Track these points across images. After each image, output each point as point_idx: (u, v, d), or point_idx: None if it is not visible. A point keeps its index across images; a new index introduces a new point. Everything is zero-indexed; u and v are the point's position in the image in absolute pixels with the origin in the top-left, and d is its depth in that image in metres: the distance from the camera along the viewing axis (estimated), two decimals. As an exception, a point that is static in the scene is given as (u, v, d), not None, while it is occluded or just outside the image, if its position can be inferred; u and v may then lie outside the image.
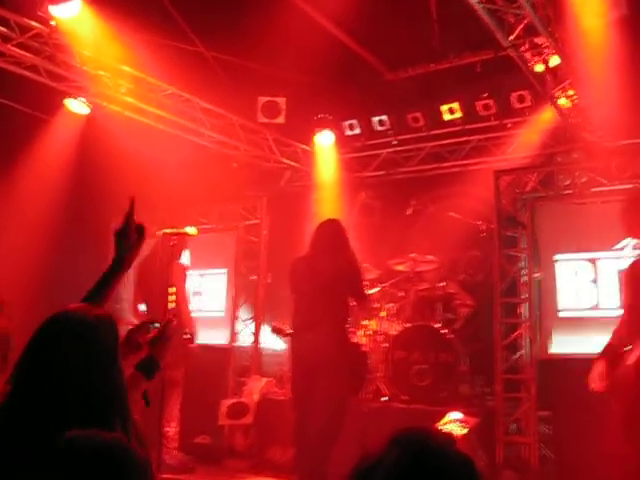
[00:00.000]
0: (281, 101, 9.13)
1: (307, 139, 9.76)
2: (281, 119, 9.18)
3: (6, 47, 6.90)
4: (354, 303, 6.48)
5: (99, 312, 2.21)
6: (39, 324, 2.15)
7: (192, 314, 7.86)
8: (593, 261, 7.46)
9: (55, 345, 2.08)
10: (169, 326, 2.87)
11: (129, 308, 8.65)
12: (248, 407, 7.93)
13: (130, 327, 2.89)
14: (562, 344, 7.44)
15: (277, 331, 7.14)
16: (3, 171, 8.78)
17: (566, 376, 6.53)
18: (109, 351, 2.14)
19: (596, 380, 5.10)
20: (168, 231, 6.00)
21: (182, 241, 6.93)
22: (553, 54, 6.73)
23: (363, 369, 7.05)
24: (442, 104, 8.83)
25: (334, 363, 5.86)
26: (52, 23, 6.68)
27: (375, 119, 9.27)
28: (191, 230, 6.08)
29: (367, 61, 8.78)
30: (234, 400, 8.17)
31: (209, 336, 9.09)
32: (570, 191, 7.72)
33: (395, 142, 9.56)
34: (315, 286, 5.97)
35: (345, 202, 9.77)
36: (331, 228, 6.33)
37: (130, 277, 9.43)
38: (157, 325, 2.85)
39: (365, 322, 7.92)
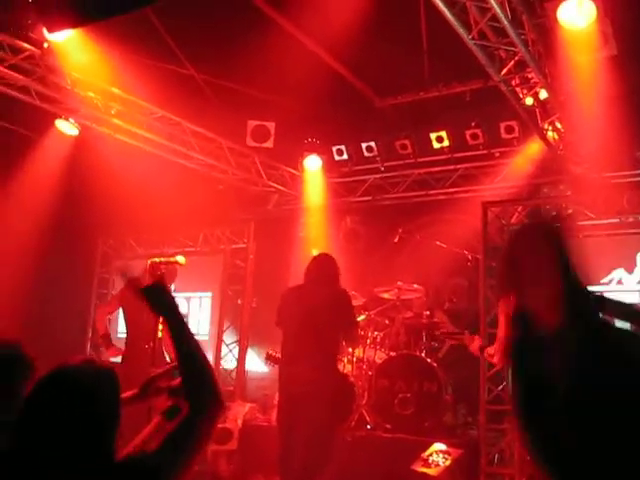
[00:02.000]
0: (270, 125, 9.16)
1: (295, 163, 9.82)
2: (270, 143, 9.20)
3: (-1, 69, 6.90)
4: (344, 334, 6.40)
5: (100, 368, 2.13)
6: (39, 379, 2.06)
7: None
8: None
9: (51, 407, 1.99)
10: None
11: (96, 317, 8.55)
12: (232, 433, 7.84)
13: (153, 374, 2.82)
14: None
15: (271, 359, 7.04)
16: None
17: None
18: (108, 410, 2.06)
19: None
20: (157, 260, 5.90)
21: (172, 270, 6.85)
22: (542, 88, 6.81)
23: (350, 400, 7.01)
24: (430, 132, 8.90)
25: (320, 395, 5.82)
26: (45, 45, 6.68)
27: (363, 145, 9.32)
28: (180, 259, 5.99)
29: (357, 88, 8.83)
30: (218, 425, 8.08)
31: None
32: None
33: (382, 168, 9.60)
34: (304, 317, 5.92)
35: (331, 227, 9.79)
36: (323, 261, 6.31)
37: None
38: None
39: (350, 349, 7.88)
